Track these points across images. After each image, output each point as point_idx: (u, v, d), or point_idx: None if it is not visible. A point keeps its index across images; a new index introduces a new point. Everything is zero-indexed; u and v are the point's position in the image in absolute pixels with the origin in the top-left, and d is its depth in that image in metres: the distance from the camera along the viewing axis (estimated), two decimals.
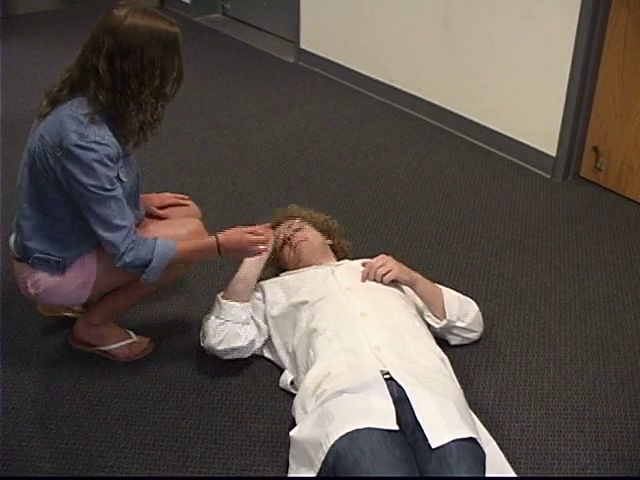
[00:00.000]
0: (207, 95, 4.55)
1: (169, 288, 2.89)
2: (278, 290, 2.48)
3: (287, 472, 2.06)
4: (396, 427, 1.85)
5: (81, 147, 2.10)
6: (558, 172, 3.71)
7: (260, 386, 2.45)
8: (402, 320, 2.24)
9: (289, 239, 2.60)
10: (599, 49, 3.44)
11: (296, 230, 2.62)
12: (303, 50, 4.94)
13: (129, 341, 2.56)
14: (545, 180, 3.69)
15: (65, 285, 2.31)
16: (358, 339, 2.12)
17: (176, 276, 2.52)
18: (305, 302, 2.35)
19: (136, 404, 2.38)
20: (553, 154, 3.71)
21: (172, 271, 2.40)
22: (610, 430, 2.32)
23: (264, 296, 2.49)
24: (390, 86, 4.40)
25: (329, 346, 2.14)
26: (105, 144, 2.13)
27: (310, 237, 2.60)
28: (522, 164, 3.78)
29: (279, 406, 2.37)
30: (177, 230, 2.41)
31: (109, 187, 2.15)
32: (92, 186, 2.12)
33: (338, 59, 4.72)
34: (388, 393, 1.92)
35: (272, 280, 2.56)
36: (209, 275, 2.98)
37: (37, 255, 2.27)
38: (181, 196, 2.63)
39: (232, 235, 2.34)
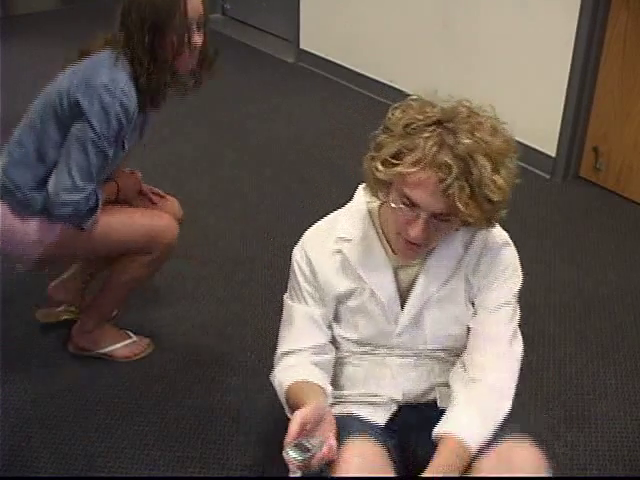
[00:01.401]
0: (207, 95, 4.53)
1: (169, 289, 2.89)
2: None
3: (287, 472, 2.06)
4: (381, 424, 1.70)
5: (108, 90, 2.09)
6: (558, 172, 3.71)
7: (260, 386, 2.45)
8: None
9: (408, 237, 1.55)
10: (599, 49, 3.44)
11: (441, 219, 1.53)
12: (303, 50, 4.94)
13: (128, 342, 2.56)
14: (545, 180, 3.69)
15: (21, 232, 2.23)
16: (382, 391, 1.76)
17: (153, 270, 2.46)
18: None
19: (136, 404, 2.38)
20: (553, 154, 3.71)
21: (149, 265, 2.39)
22: (610, 430, 2.32)
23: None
24: (390, 86, 4.40)
25: (353, 384, 1.78)
26: (130, 95, 2.12)
27: (445, 232, 1.60)
28: (522, 164, 3.74)
29: (279, 406, 2.36)
30: (154, 221, 2.39)
31: (112, 140, 2.13)
32: (99, 130, 2.10)
33: (338, 59, 4.71)
34: (389, 410, 1.73)
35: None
36: (209, 276, 2.98)
37: (8, 184, 2.20)
38: (158, 191, 2.57)
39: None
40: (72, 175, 2.13)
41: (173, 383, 2.47)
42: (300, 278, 1.74)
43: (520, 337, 1.71)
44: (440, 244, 1.63)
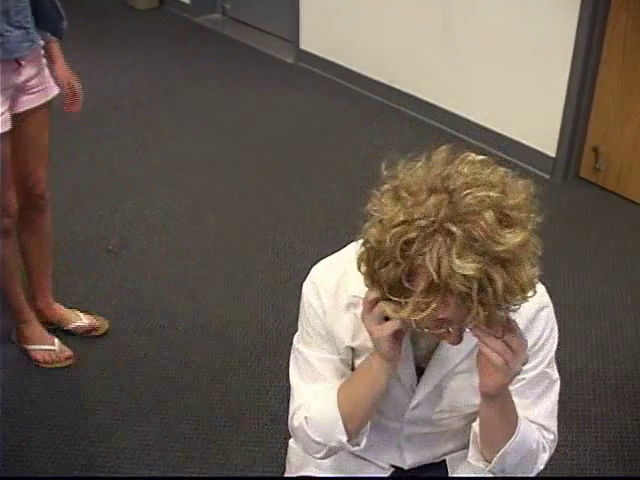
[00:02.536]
0: (207, 95, 4.55)
1: (169, 289, 2.90)
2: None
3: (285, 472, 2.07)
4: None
5: None
6: (558, 173, 3.71)
7: (260, 386, 2.46)
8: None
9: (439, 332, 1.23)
10: (599, 49, 3.44)
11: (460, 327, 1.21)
12: (303, 51, 4.94)
13: (47, 347, 2.53)
14: (545, 181, 3.69)
15: None
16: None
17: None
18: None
19: (136, 404, 2.38)
20: (553, 155, 3.71)
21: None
22: (610, 430, 2.32)
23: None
24: (390, 86, 4.40)
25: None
26: None
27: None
28: (522, 164, 3.78)
29: (279, 406, 2.37)
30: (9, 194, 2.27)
31: None
32: None
33: (338, 59, 4.71)
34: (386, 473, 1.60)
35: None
36: (209, 275, 2.98)
37: None
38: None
39: None
40: None
41: (173, 383, 2.47)
42: (315, 320, 1.41)
43: (554, 420, 1.46)
44: None
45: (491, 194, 1.12)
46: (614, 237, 3.30)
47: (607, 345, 2.66)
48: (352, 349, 1.42)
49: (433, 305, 1.10)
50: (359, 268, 1.20)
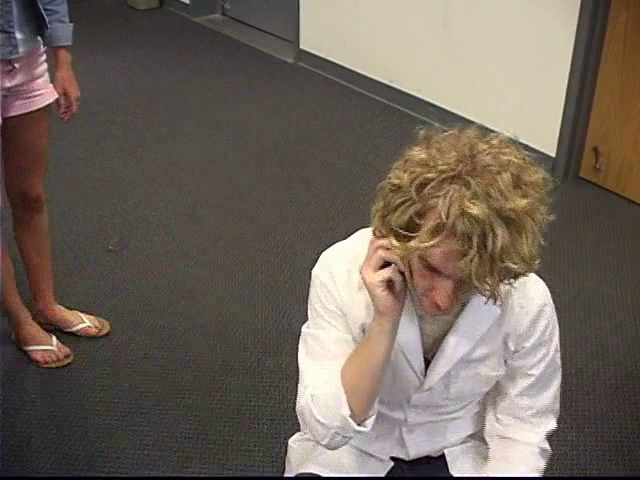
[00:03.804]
0: (207, 95, 4.55)
1: (169, 288, 2.89)
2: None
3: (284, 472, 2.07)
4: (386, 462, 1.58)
5: None
6: (558, 172, 3.71)
7: (260, 386, 2.46)
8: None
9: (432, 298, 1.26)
10: (599, 49, 3.44)
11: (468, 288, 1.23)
12: (303, 50, 4.94)
13: (45, 347, 2.53)
14: None
15: None
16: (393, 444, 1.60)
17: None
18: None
19: (136, 404, 2.38)
20: (553, 154, 3.71)
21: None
22: (610, 430, 2.32)
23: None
24: (390, 86, 4.40)
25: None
26: None
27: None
28: None
29: (279, 406, 2.37)
30: None
31: None
32: None
33: (338, 59, 4.71)
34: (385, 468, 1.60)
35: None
36: (209, 276, 2.98)
37: None
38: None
39: None
40: None
41: (173, 383, 2.46)
42: (329, 299, 1.41)
43: (557, 401, 1.54)
44: (472, 302, 1.36)
45: (513, 159, 1.22)
46: (614, 237, 3.30)
47: (607, 345, 2.66)
48: (364, 331, 1.41)
49: (436, 240, 1.16)
50: (373, 218, 1.27)
